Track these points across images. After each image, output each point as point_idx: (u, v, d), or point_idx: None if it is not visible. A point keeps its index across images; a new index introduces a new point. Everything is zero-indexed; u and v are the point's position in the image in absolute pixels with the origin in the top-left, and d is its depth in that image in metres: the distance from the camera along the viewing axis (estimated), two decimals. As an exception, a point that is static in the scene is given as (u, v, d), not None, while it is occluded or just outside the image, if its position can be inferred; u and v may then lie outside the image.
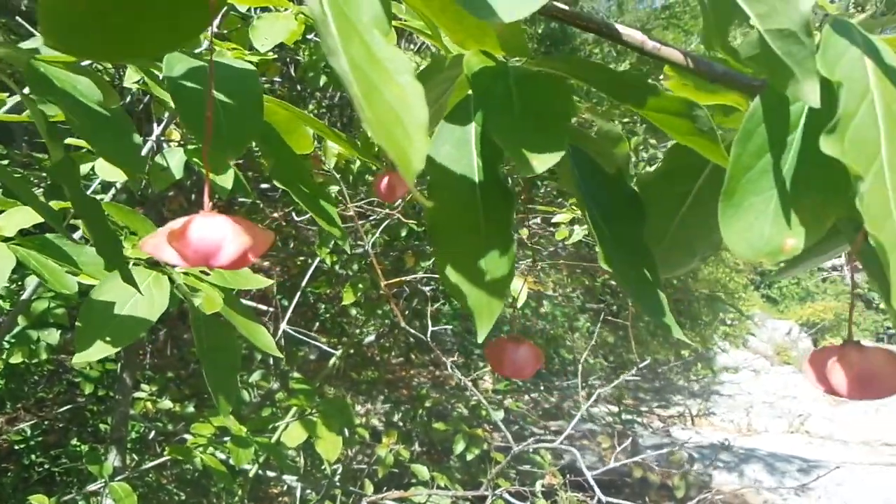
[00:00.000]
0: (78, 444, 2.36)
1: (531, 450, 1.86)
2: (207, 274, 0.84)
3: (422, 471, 1.63)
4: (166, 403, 1.96)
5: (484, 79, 0.33)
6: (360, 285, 1.56)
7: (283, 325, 1.60)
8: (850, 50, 0.27)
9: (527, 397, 3.21)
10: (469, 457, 1.74)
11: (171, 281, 0.78)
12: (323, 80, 1.40)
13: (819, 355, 0.32)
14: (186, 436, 1.59)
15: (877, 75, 0.27)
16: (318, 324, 2.68)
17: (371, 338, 2.33)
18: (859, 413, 6.02)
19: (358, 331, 2.08)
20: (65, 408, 2.23)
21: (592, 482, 1.40)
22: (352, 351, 2.09)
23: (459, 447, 1.73)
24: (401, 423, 2.47)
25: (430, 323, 1.53)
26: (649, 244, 0.41)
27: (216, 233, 0.31)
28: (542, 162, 0.30)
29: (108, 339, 0.74)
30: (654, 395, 5.78)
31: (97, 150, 0.39)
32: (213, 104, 0.40)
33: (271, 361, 2.44)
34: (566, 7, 0.33)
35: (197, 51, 0.58)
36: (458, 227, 0.36)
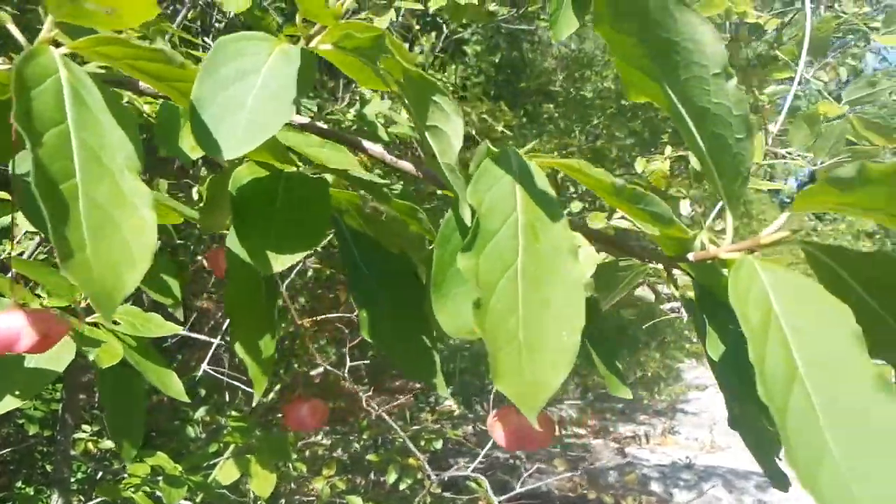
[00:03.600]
0: (23, 486, 2.32)
1: (468, 477, 1.91)
2: (117, 323, 0.89)
3: (356, 501, 1.67)
4: (107, 443, 1.96)
5: (247, 190, 0.40)
6: (282, 324, 1.61)
7: (204, 366, 1.64)
8: (503, 178, 0.34)
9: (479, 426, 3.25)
10: (402, 486, 1.79)
11: (78, 334, 0.83)
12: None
13: (495, 415, 0.39)
14: (130, 474, 1.60)
15: (524, 198, 0.34)
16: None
17: (319, 370, 2.36)
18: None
19: (297, 366, 2.13)
20: (6, 450, 2.20)
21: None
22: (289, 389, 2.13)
23: (392, 477, 1.78)
24: (366, 461, 2.49)
25: (348, 359, 1.59)
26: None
27: (14, 324, 0.38)
28: (283, 262, 0.37)
29: (17, 393, 0.78)
30: (620, 415, 5.86)
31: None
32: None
33: (227, 398, 2.45)
34: (323, 126, 0.41)
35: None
36: (247, 310, 0.43)
